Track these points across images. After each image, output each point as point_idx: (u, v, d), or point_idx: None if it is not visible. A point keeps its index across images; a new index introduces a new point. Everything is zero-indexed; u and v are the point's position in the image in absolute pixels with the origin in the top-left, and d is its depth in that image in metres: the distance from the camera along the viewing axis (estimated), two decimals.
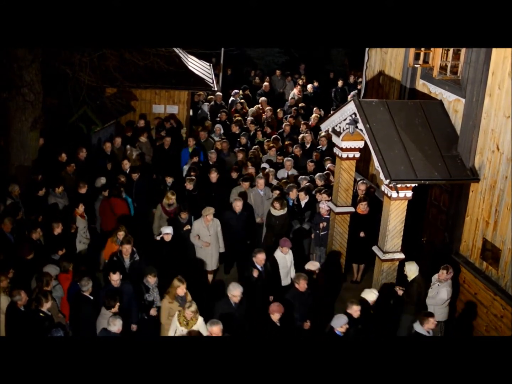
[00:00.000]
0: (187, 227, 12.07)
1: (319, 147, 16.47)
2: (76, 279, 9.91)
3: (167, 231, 11.24)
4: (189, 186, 13.36)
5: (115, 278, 9.64)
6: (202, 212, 11.88)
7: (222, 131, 17.31)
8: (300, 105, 20.34)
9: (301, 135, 17.23)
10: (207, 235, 11.88)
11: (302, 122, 18.51)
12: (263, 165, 15.00)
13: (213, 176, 13.64)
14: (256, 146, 16.45)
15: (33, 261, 10.23)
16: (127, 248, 10.59)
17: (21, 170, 13.26)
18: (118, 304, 9.18)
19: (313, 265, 10.80)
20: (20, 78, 12.67)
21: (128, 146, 15.46)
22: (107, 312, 9.13)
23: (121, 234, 11.13)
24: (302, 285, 9.93)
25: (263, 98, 20.36)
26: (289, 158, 15.10)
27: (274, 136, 16.97)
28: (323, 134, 16.87)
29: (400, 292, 10.48)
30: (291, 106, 20.23)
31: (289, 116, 18.97)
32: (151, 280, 9.94)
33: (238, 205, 12.35)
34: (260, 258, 10.60)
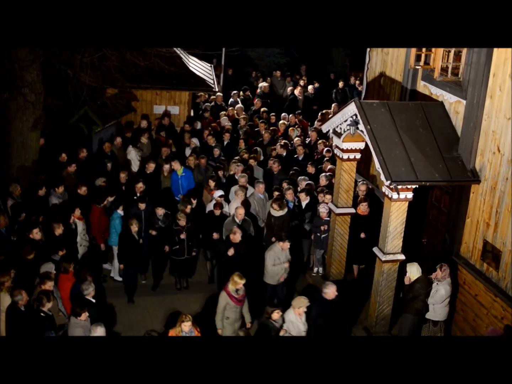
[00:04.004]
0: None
1: (296, 156, 15.76)
2: (79, 281, 9.91)
3: None
4: (182, 222, 12.07)
5: None
6: (293, 303, 9.83)
7: (197, 145, 16.25)
8: (262, 109, 19.62)
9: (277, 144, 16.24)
10: (301, 331, 9.79)
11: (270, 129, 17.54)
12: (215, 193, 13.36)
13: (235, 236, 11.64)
14: (238, 157, 15.23)
15: (34, 261, 10.24)
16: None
17: (22, 170, 13.28)
18: (86, 313, 9.03)
19: None
20: (21, 79, 12.69)
21: (130, 147, 15.44)
22: (77, 320, 9.03)
23: (187, 325, 9.11)
24: None
25: (239, 105, 19.68)
26: (261, 181, 13.72)
27: (254, 148, 16.09)
28: (298, 142, 16.25)
29: (407, 281, 10.49)
30: (256, 111, 19.74)
31: (260, 122, 17.93)
32: None
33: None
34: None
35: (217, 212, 12.59)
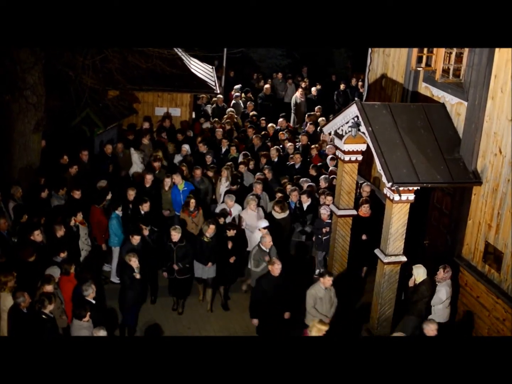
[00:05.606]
0: None
1: (292, 163, 15.31)
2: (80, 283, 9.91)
3: None
4: (176, 237, 11.34)
5: None
6: None
7: (189, 152, 15.48)
8: (251, 113, 19.47)
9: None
10: None
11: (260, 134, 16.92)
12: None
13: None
14: (230, 162, 14.81)
15: (35, 263, 10.24)
16: None
17: (23, 172, 13.29)
18: (89, 313, 9.01)
19: None
20: (22, 81, 12.70)
21: (131, 150, 15.43)
22: (80, 322, 9.02)
23: None
24: None
25: (230, 109, 19.44)
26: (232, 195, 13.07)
27: (243, 152, 15.64)
28: (292, 148, 15.89)
29: (412, 282, 10.45)
30: (247, 114, 19.53)
31: (249, 127, 17.60)
32: None
33: None
34: None
35: (232, 233, 11.78)
